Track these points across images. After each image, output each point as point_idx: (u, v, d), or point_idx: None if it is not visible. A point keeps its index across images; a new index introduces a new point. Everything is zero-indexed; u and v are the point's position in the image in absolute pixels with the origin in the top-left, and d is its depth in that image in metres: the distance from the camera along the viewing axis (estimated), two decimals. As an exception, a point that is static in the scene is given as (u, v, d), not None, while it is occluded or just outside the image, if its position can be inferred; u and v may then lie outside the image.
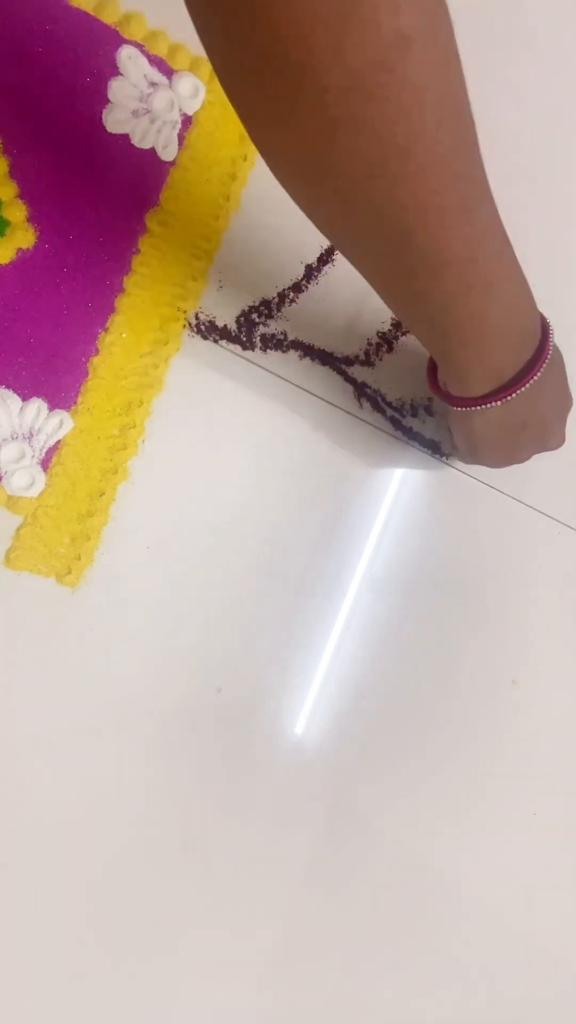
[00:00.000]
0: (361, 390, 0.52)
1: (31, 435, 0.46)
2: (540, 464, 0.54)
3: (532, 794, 0.52)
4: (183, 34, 0.49)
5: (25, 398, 0.46)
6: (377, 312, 0.52)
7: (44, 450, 0.46)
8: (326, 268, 0.52)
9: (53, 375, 0.47)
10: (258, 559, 0.50)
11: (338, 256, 0.52)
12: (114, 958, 0.47)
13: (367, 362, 0.52)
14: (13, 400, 0.46)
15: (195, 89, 0.49)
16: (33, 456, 0.46)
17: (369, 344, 0.52)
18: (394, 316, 0.53)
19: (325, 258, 0.52)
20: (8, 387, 0.46)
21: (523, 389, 0.41)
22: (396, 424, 0.53)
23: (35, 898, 0.46)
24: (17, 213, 0.46)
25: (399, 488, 0.52)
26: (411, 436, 0.53)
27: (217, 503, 0.50)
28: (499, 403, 0.41)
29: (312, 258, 0.52)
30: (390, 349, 0.52)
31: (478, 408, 0.42)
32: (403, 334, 0.53)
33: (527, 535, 0.54)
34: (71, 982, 0.46)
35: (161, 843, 0.48)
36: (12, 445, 0.46)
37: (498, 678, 0.52)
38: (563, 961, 0.52)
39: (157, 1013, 0.47)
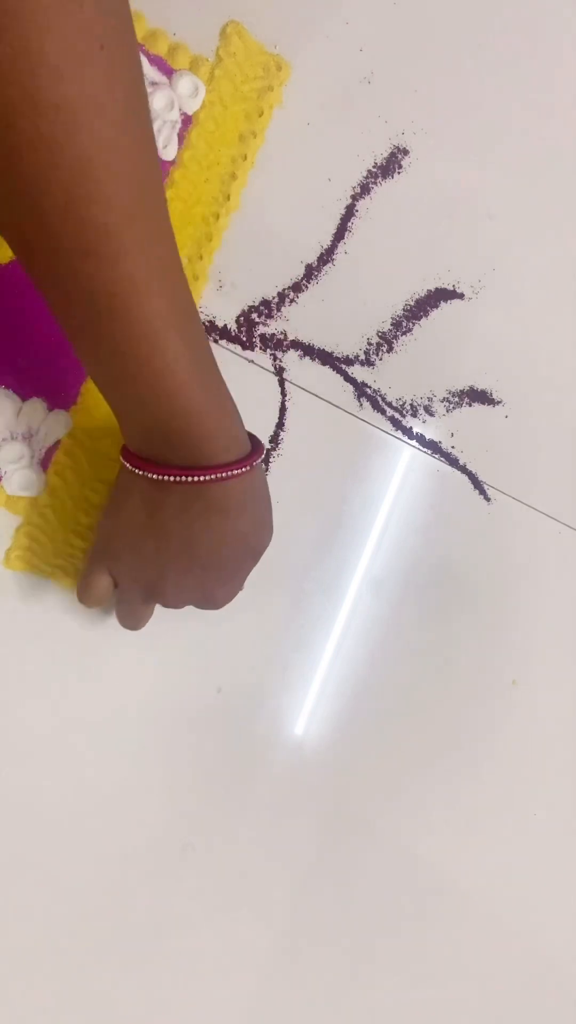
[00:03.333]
0: (361, 390, 0.52)
1: (31, 435, 0.46)
2: (540, 464, 0.54)
3: (532, 794, 0.52)
4: (183, 34, 0.49)
5: (25, 398, 0.46)
6: (377, 312, 0.52)
7: (44, 450, 0.46)
8: (326, 268, 0.52)
9: (53, 375, 0.47)
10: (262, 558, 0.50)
11: (338, 256, 0.52)
12: (114, 957, 0.47)
13: (367, 362, 0.52)
14: (13, 400, 0.46)
15: (195, 88, 0.49)
16: (33, 456, 0.46)
17: (369, 344, 0.52)
18: (394, 316, 0.53)
19: (325, 258, 0.52)
20: (8, 387, 0.46)
21: (200, 479, 0.37)
22: (396, 424, 0.53)
23: (35, 897, 0.46)
24: (17, 213, 0.46)
25: (399, 488, 0.52)
26: (411, 436, 0.53)
27: (217, 503, 0.50)
28: (171, 478, 0.37)
29: (312, 258, 0.52)
30: (390, 349, 0.52)
31: (139, 473, 0.38)
32: (403, 334, 0.53)
33: (527, 535, 0.54)
34: (71, 981, 0.46)
35: (161, 843, 0.48)
36: (12, 445, 0.46)
37: (498, 678, 0.52)
38: (563, 961, 0.52)
39: (157, 1013, 0.47)
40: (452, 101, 0.54)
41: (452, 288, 0.53)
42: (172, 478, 0.37)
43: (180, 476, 0.37)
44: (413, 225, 0.53)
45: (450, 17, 0.54)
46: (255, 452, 0.39)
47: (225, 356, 0.50)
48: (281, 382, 0.50)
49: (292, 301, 0.51)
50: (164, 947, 0.47)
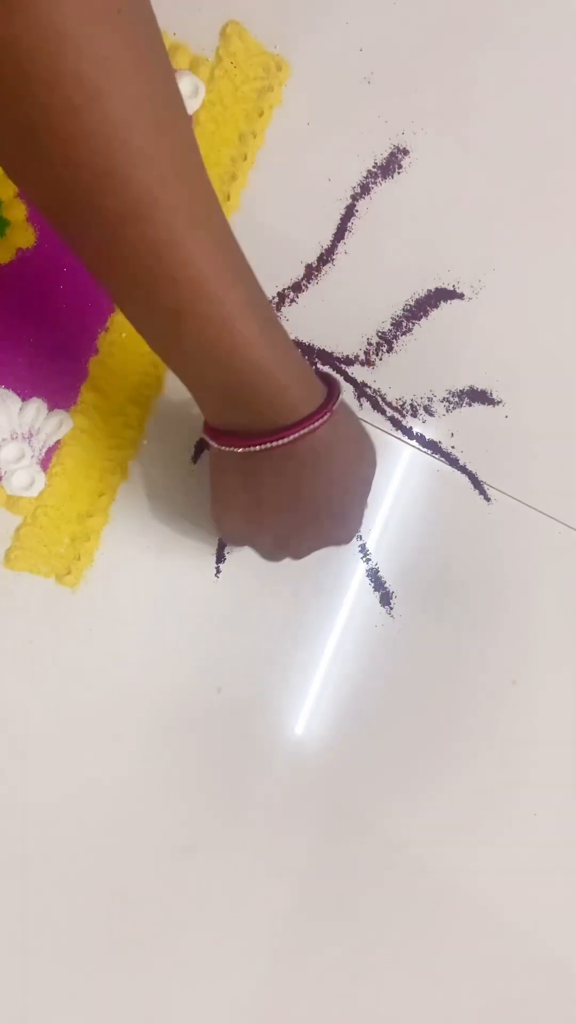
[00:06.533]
0: (361, 390, 0.52)
1: (31, 435, 0.46)
2: (540, 464, 0.54)
3: (532, 794, 0.52)
4: (183, 34, 0.49)
5: (25, 398, 0.46)
6: (377, 312, 0.52)
7: (44, 450, 0.46)
8: (326, 268, 0.52)
9: (53, 375, 0.47)
10: (259, 559, 0.50)
11: (338, 256, 0.52)
12: (113, 957, 0.47)
13: (367, 362, 0.52)
14: (13, 400, 0.46)
15: (195, 88, 0.49)
16: (33, 456, 0.46)
17: (369, 344, 0.52)
18: (394, 316, 0.53)
19: (325, 258, 0.52)
20: (8, 387, 0.46)
21: (280, 442, 0.36)
22: (396, 424, 0.53)
23: (35, 897, 0.46)
24: (17, 212, 0.46)
25: (399, 488, 0.52)
26: (411, 436, 0.53)
27: (217, 503, 0.50)
28: (255, 448, 0.37)
29: (312, 258, 0.52)
30: (390, 349, 0.52)
31: (226, 450, 0.38)
32: (403, 334, 0.53)
33: (527, 535, 0.54)
34: (70, 981, 0.46)
35: (161, 843, 0.48)
36: (12, 445, 0.46)
37: (498, 678, 0.52)
38: (564, 961, 0.52)
39: (156, 1012, 0.47)
40: (452, 101, 0.54)
41: (452, 288, 0.53)
42: (259, 447, 0.37)
43: (266, 443, 0.36)
44: (413, 225, 0.53)
45: (450, 17, 0.54)
46: (331, 396, 0.38)
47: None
48: (281, 382, 0.50)
49: (292, 301, 0.51)
50: (165, 947, 0.47)
